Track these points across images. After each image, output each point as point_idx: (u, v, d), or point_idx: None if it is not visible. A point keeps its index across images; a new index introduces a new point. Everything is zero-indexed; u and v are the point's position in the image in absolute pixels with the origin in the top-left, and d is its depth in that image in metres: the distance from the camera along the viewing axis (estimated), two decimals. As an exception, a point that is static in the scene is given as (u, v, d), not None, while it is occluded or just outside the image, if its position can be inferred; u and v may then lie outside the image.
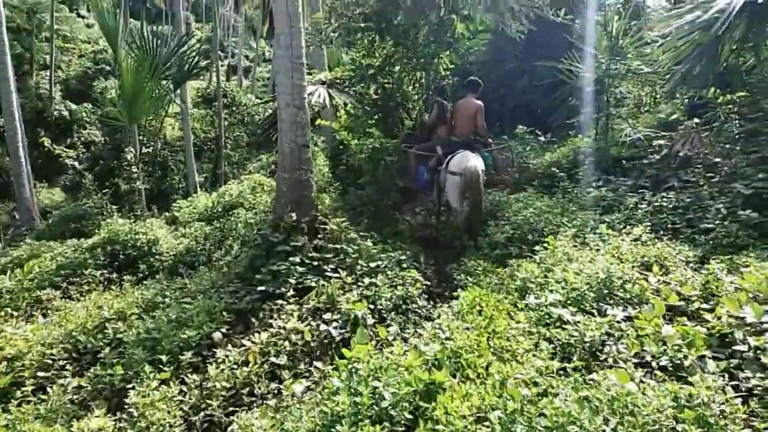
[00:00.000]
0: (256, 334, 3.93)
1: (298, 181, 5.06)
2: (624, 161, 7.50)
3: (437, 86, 8.32)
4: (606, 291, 3.68)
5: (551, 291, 3.82)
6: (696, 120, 6.82)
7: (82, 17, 33.79)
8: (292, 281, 4.44)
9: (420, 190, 7.55)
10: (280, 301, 4.25)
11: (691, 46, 6.52)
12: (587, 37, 8.35)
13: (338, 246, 4.95)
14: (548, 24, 11.45)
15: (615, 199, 6.39)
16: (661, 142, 6.86)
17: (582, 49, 8.77)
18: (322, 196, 5.29)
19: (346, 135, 10.38)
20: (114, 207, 10.91)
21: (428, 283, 5.12)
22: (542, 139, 9.33)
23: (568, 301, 3.59)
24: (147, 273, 7.16)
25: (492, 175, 7.53)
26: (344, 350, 2.89)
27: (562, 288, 3.77)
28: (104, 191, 12.38)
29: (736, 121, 6.68)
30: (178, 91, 14.28)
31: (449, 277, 5.47)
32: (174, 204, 11.15)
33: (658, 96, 10.72)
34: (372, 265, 4.87)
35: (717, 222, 5.21)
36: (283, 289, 4.38)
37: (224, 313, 4.24)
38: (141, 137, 19.65)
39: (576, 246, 5.02)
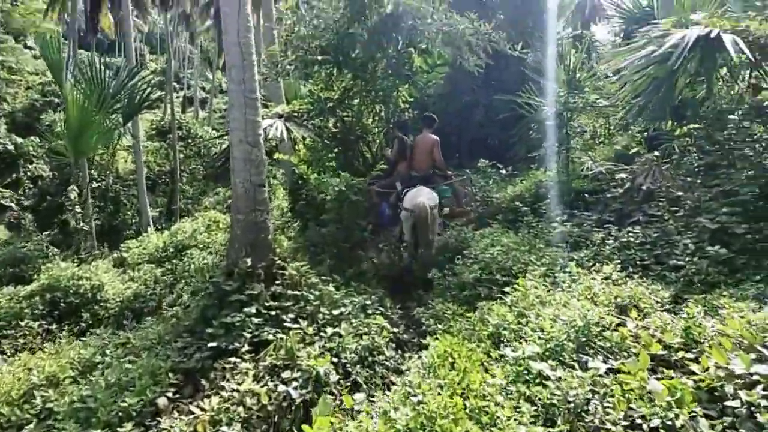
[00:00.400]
0: (206, 399, 3.53)
1: (253, 223, 4.72)
2: (587, 195, 7.46)
3: (398, 121, 8.55)
4: (584, 339, 3.47)
5: (527, 341, 3.58)
6: (656, 153, 6.85)
7: (30, 48, 32.68)
8: (247, 335, 4.06)
9: (384, 226, 7.58)
10: (233, 359, 3.86)
11: (647, 80, 6.57)
12: (546, 71, 8.39)
13: (298, 292, 4.61)
14: (504, 58, 11.62)
15: (581, 234, 6.28)
16: (623, 175, 6.85)
17: (539, 82, 8.82)
18: (279, 238, 4.95)
19: (305, 169, 10.12)
20: (56, 249, 10.22)
21: (395, 330, 4.82)
22: (503, 172, 9.27)
23: (546, 353, 3.35)
24: (90, 322, 6.63)
25: (453, 208, 7.80)
26: (305, 428, 2.54)
27: (539, 338, 3.53)
28: (50, 230, 11.71)
29: (695, 154, 6.73)
30: (129, 124, 13.76)
31: (417, 321, 5.18)
32: (123, 244, 10.56)
33: (612, 128, 10.92)
34: (335, 312, 4.54)
35: (686, 258, 5.12)
36: (237, 344, 4.00)
37: (170, 374, 3.81)
38: (91, 171, 18.92)
39: (547, 286, 4.83)
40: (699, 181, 6.40)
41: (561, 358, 3.28)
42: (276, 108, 9.37)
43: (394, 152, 7.82)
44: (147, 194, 17.66)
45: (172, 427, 3.19)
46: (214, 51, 42.49)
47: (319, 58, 8.17)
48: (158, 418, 3.39)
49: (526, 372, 3.18)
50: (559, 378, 3.01)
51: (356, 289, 5.46)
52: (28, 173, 24.52)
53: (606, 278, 5.00)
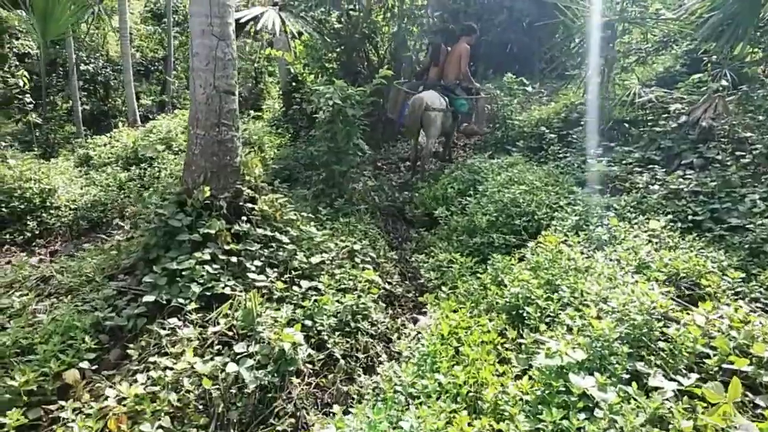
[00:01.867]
0: (130, 378, 2.68)
1: (216, 142, 3.65)
2: (628, 125, 6.30)
3: (443, 29, 8.98)
4: (643, 340, 2.55)
5: (561, 333, 2.66)
6: (723, 82, 5.61)
7: None
8: (196, 288, 3.13)
9: (402, 126, 7.58)
10: (173, 320, 2.97)
11: (729, -11, 5.22)
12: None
13: (269, 233, 3.64)
14: None
15: (620, 175, 5.22)
16: (678, 105, 5.65)
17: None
18: (251, 161, 3.89)
19: (300, 69, 8.84)
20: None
21: (388, 283, 3.92)
22: (529, 89, 7.99)
23: (590, 359, 2.44)
24: (38, 232, 5.74)
25: (466, 126, 7.26)
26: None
27: (579, 332, 2.61)
28: (36, 112, 10.73)
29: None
30: (116, 4, 12.22)
31: (415, 269, 4.28)
32: (98, 137, 9.50)
33: (650, 44, 9.48)
34: (314, 260, 3.61)
35: (754, 219, 4.12)
36: (182, 300, 3.09)
37: (88, 337, 2.90)
38: (80, 53, 17.46)
39: (581, 244, 3.87)
40: (772, 120, 5.26)
41: (613, 368, 2.37)
42: (269, -7, 7.93)
43: (426, 57, 7.95)
44: (135, 83, 16.20)
45: (71, 419, 2.34)
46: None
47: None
48: (62, 401, 2.54)
49: (562, 388, 2.29)
50: (611, 406, 2.12)
51: (345, 226, 4.49)
52: (14, 50, 22.84)
53: (652, 236, 4.06)
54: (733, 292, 3.28)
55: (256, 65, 13.82)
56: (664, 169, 5.14)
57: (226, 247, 3.44)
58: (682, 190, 4.70)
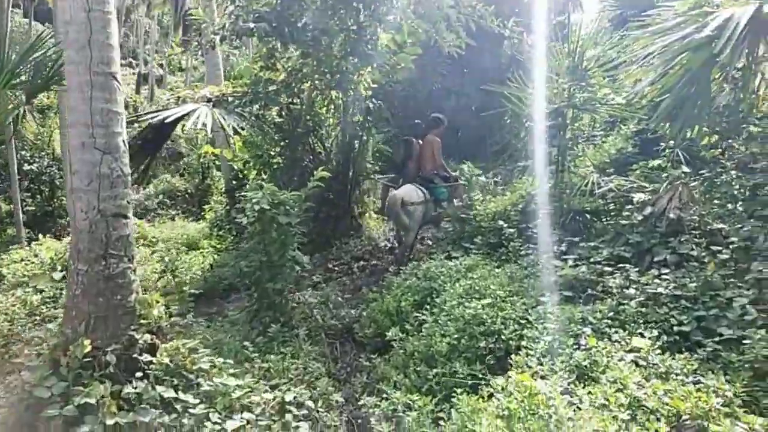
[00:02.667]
0: None
1: (103, 279, 2.93)
2: (590, 216, 5.88)
3: (411, 124, 8.79)
4: None
5: None
6: (683, 168, 5.30)
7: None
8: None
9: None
10: None
11: (678, 72, 5.00)
12: (537, 55, 6.75)
13: (173, 393, 2.85)
14: (483, 38, 10.03)
15: (590, 278, 4.69)
16: (642, 196, 5.28)
17: (528, 69, 7.14)
18: (151, 297, 3.15)
19: (242, 166, 8.30)
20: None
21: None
22: (482, 179, 7.62)
23: None
24: None
25: (439, 213, 7.42)
26: None
27: None
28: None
29: (732, 173, 5.20)
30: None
31: (366, 420, 3.51)
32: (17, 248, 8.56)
33: (598, 126, 9.44)
34: (231, 426, 2.81)
35: (746, 329, 3.60)
36: None
37: None
38: (23, 152, 16.75)
39: (559, 376, 3.23)
40: (742, 209, 4.90)
41: None
42: (202, 90, 7.48)
43: (400, 155, 8.27)
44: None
45: None
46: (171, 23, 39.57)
47: (252, 25, 6.27)
48: None
49: None
50: None
51: (279, 361, 3.73)
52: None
53: (638, 357, 3.49)
54: (748, 438, 2.68)
55: (202, 160, 13.30)
56: (636, 268, 4.65)
57: (110, 422, 2.63)
58: (662, 294, 4.18)
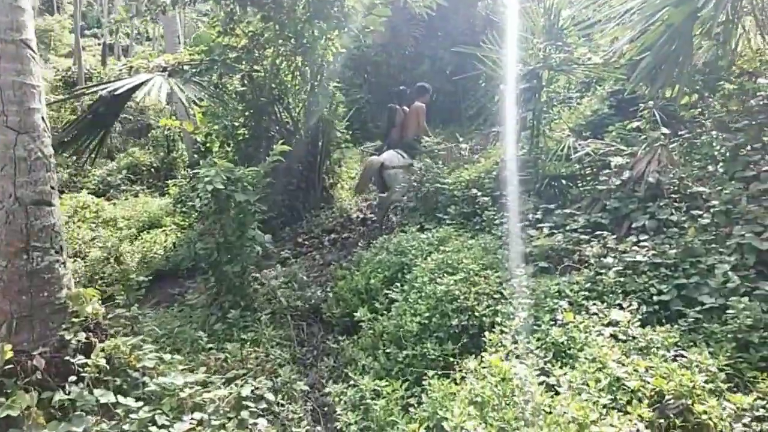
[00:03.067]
0: None
1: (26, 274, 2.61)
2: (566, 182, 5.67)
3: (396, 91, 8.86)
4: None
5: None
6: (663, 129, 5.07)
7: None
8: None
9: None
10: None
11: (658, 29, 4.74)
12: (510, 14, 6.41)
13: (111, 396, 2.58)
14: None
15: (566, 247, 4.49)
16: (619, 159, 5.06)
17: (502, 30, 6.80)
18: (85, 292, 2.84)
19: (204, 139, 7.89)
20: None
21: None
22: (462, 146, 7.35)
23: None
24: None
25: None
26: None
27: None
28: None
29: (713, 133, 5.00)
30: None
31: (330, 410, 3.30)
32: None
33: (573, 87, 9.18)
34: (179, 429, 2.56)
35: (729, 297, 3.44)
36: None
37: None
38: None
39: (534, 356, 3.04)
40: (722, 171, 4.72)
41: None
42: (157, 59, 6.99)
43: (384, 121, 8.53)
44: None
45: None
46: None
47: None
48: None
49: None
50: None
51: (238, 350, 3.47)
52: None
53: (617, 332, 3.34)
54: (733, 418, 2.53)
55: (167, 132, 12.72)
56: (614, 236, 4.46)
57: (39, 432, 2.35)
58: (640, 263, 4.01)
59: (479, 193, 5.95)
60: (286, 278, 5.11)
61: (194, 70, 6.48)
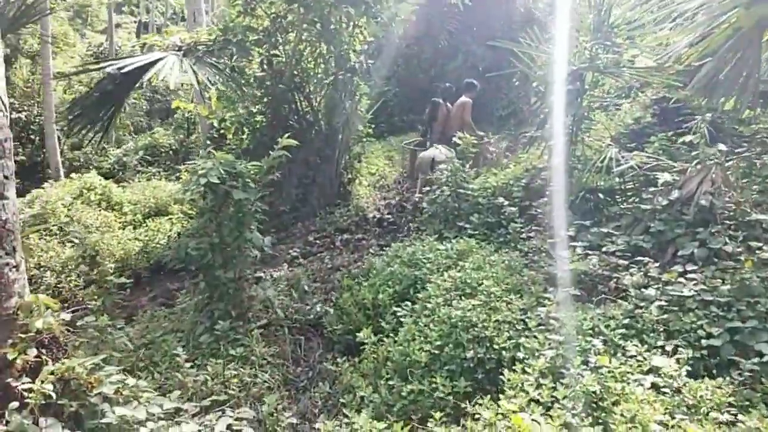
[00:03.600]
0: None
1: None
2: (604, 196, 5.14)
3: (443, 87, 9.09)
4: None
5: None
6: (720, 146, 4.51)
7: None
8: None
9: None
10: None
11: (725, 33, 4.17)
12: (558, 9, 5.86)
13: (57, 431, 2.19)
14: None
15: (602, 273, 3.99)
16: (667, 177, 4.52)
17: (544, 25, 6.27)
18: (39, 300, 2.45)
19: (216, 124, 7.52)
20: None
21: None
22: (492, 149, 6.86)
23: None
24: None
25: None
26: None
27: None
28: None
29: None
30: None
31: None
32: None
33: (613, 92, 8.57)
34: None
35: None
36: None
37: None
38: (12, 100, 16.00)
39: (559, 409, 2.57)
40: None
41: None
42: (172, 36, 6.62)
43: (426, 116, 8.75)
44: (56, 135, 14.49)
45: None
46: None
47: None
48: None
49: None
50: None
51: (220, 372, 3.06)
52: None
53: (659, 383, 2.85)
54: None
55: (188, 114, 12.45)
56: (657, 264, 3.95)
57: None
58: (687, 298, 3.49)
59: (506, 203, 5.46)
60: (289, 283, 4.70)
61: (207, 50, 6.08)
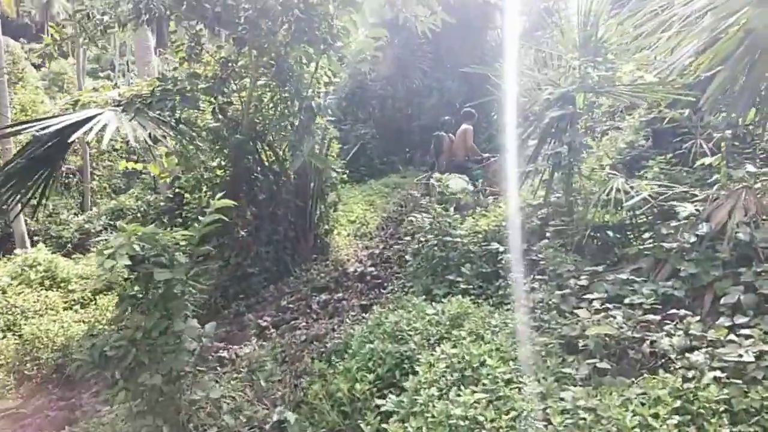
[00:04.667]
0: None
1: None
2: (614, 234, 4.42)
3: (443, 121, 9.84)
4: None
5: None
6: (748, 167, 3.83)
7: None
8: None
9: None
10: None
11: (734, 38, 3.55)
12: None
13: None
14: (464, 19, 9.35)
15: (631, 335, 3.20)
16: (688, 207, 3.81)
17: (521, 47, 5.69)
18: None
19: (172, 182, 6.76)
20: None
21: None
22: (469, 187, 6.16)
23: None
24: None
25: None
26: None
27: None
28: None
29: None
30: None
31: None
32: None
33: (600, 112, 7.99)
34: None
35: None
36: None
37: None
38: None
39: None
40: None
41: None
42: (111, 90, 5.91)
43: (431, 150, 9.06)
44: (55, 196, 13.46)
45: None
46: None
47: (162, 7, 4.75)
48: None
49: None
50: None
51: None
52: None
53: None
54: None
55: (153, 174, 11.66)
56: (696, 317, 3.18)
57: None
58: (747, 364, 2.72)
59: (501, 248, 4.72)
60: (250, 368, 3.85)
61: (145, 103, 5.35)
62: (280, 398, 3.40)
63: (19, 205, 5.53)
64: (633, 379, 2.89)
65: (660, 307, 3.43)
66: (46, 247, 7.81)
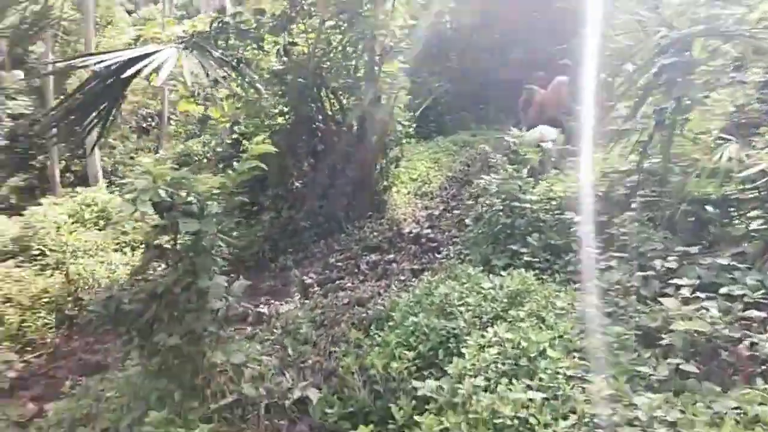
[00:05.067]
0: None
1: None
2: (715, 210, 3.74)
3: (535, 76, 8.89)
4: None
5: None
6: None
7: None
8: None
9: None
10: None
11: None
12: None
13: None
14: None
15: (725, 334, 2.63)
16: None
17: None
18: None
19: (238, 128, 6.58)
20: None
21: None
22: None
23: None
24: None
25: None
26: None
27: None
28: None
29: None
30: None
31: None
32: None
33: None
34: None
35: None
36: None
37: None
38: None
39: None
40: None
41: None
42: (175, 25, 5.68)
43: (520, 102, 8.68)
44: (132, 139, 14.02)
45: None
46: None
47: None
48: None
49: None
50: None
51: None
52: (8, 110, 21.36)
53: None
54: None
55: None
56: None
57: None
58: None
59: (575, 218, 4.16)
60: (285, 329, 3.61)
61: (204, 38, 5.07)
62: (310, 367, 3.12)
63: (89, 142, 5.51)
64: (723, 388, 2.36)
65: (766, 302, 2.82)
66: (112, 187, 7.96)
